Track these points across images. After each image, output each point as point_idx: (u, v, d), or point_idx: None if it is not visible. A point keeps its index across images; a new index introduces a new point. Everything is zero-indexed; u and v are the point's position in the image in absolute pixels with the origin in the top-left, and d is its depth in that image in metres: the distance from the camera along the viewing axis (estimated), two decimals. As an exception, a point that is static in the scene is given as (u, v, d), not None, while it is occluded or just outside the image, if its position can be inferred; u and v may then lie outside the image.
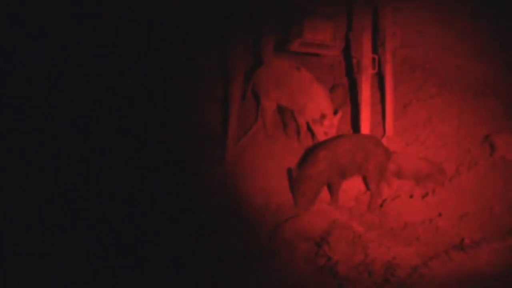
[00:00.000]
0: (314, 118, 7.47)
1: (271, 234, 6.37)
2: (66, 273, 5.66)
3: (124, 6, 7.92)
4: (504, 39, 8.10)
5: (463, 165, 7.13)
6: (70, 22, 7.72)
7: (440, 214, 6.50)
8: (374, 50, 7.59)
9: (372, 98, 7.64)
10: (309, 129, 7.71)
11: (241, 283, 5.72)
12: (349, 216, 6.71)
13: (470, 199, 6.68)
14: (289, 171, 6.88)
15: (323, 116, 7.39)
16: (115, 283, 5.63)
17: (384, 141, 7.52)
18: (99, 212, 6.39)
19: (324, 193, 6.88)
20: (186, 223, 6.44)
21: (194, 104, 8.40)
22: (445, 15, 8.39)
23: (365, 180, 7.08)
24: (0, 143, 6.93)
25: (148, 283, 5.66)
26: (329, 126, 7.41)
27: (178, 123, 7.97)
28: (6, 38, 7.45)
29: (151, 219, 6.43)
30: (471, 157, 7.23)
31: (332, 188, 6.88)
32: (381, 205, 6.83)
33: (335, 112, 7.55)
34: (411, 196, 6.92)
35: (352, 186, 7.11)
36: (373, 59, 7.53)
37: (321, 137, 7.42)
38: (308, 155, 6.87)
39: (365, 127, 7.47)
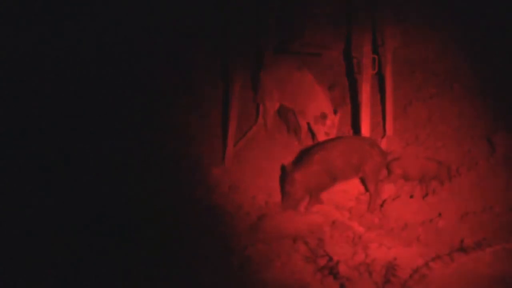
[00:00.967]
0: (315, 118, 7.47)
1: (270, 234, 6.38)
2: (62, 273, 5.66)
3: (124, 6, 7.93)
4: (504, 39, 8.12)
5: (463, 165, 7.12)
6: (70, 22, 7.72)
7: (440, 214, 6.49)
8: (374, 50, 7.58)
9: (372, 98, 7.63)
10: (310, 129, 7.72)
11: (241, 283, 5.72)
12: (349, 216, 6.71)
13: (470, 199, 6.67)
14: (283, 168, 6.90)
15: (324, 116, 7.38)
16: (113, 282, 5.63)
17: (384, 141, 7.52)
18: (95, 211, 6.38)
19: (324, 193, 6.88)
20: (186, 223, 6.43)
21: (194, 104, 8.41)
22: (445, 15, 8.40)
23: (363, 181, 7.08)
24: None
25: (148, 283, 5.65)
26: (331, 126, 7.42)
27: (178, 123, 7.98)
28: (6, 38, 7.45)
29: (151, 219, 6.42)
30: (471, 157, 7.23)
31: (318, 191, 6.82)
32: (381, 206, 6.82)
33: (335, 112, 7.55)
34: (411, 196, 6.92)
35: (352, 186, 7.10)
36: (373, 59, 7.52)
37: (321, 138, 7.41)
38: (304, 156, 6.87)
39: (365, 127, 7.45)
